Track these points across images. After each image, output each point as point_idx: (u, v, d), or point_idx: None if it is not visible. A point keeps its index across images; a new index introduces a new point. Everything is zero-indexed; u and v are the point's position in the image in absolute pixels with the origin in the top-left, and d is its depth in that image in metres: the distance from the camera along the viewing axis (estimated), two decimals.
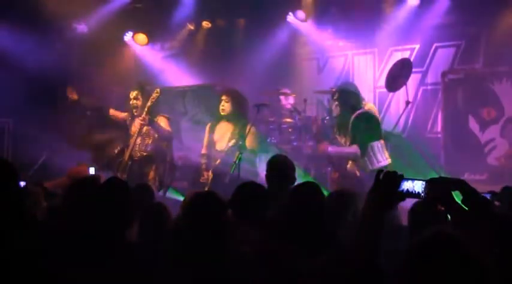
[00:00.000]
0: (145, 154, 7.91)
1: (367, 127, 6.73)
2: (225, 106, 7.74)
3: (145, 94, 7.99)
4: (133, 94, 8.05)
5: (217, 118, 7.89)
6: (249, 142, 7.50)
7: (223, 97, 7.78)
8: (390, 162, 6.75)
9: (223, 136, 7.74)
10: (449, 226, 2.76)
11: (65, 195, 3.94)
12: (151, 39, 11.14)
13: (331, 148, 6.96)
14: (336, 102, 6.86)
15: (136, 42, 11.18)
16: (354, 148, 6.67)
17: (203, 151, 7.90)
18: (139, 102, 7.98)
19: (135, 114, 8.01)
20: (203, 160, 7.85)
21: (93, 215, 3.55)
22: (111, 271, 3.31)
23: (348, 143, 6.81)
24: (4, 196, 2.50)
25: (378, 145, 6.75)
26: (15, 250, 2.46)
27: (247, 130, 7.50)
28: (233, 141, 7.54)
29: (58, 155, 8.88)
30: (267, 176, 5.22)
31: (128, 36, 11.14)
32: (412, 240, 2.15)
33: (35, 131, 9.51)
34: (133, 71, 11.08)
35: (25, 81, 9.80)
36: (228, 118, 7.74)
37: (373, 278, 2.44)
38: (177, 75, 10.95)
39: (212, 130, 7.88)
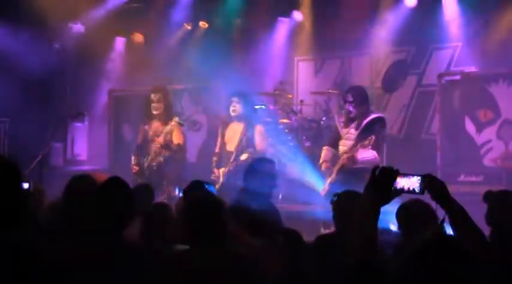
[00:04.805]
0: (161, 160, 8.00)
1: None
2: (236, 108, 7.78)
3: (167, 97, 8.16)
4: (156, 96, 8.12)
5: (228, 118, 7.95)
6: (258, 142, 7.61)
7: (234, 99, 7.79)
8: None
9: (233, 137, 7.83)
10: (443, 222, 2.76)
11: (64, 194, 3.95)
12: (148, 39, 11.12)
13: None
14: None
15: (133, 42, 11.17)
16: None
17: (216, 149, 8.05)
18: (161, 106, 8.08)
19: (156, 117, 8.10)
20: (214, 158, 7.97)
21: (91, 214, 3.55)
22: (109, 270, 3.31)
23: None
24: (8, 198, 2.48)
25: None
26: (12, 249, 2.45)
27: (255, 131, 7.59)
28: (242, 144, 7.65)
29: (54, 155, 8.86)
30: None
31: (123, 37, 11.14)
32: (410, 241, 2.15)
33: (32, 131, 9.49)
34: (130, 71, 11.06)
35: (22, 81, 9.79)
36: (238, 118, 7.80)
37: (372, 276, 2.44)
38: (174, 75, 10.93)
39: (223, 131, 7.98)
